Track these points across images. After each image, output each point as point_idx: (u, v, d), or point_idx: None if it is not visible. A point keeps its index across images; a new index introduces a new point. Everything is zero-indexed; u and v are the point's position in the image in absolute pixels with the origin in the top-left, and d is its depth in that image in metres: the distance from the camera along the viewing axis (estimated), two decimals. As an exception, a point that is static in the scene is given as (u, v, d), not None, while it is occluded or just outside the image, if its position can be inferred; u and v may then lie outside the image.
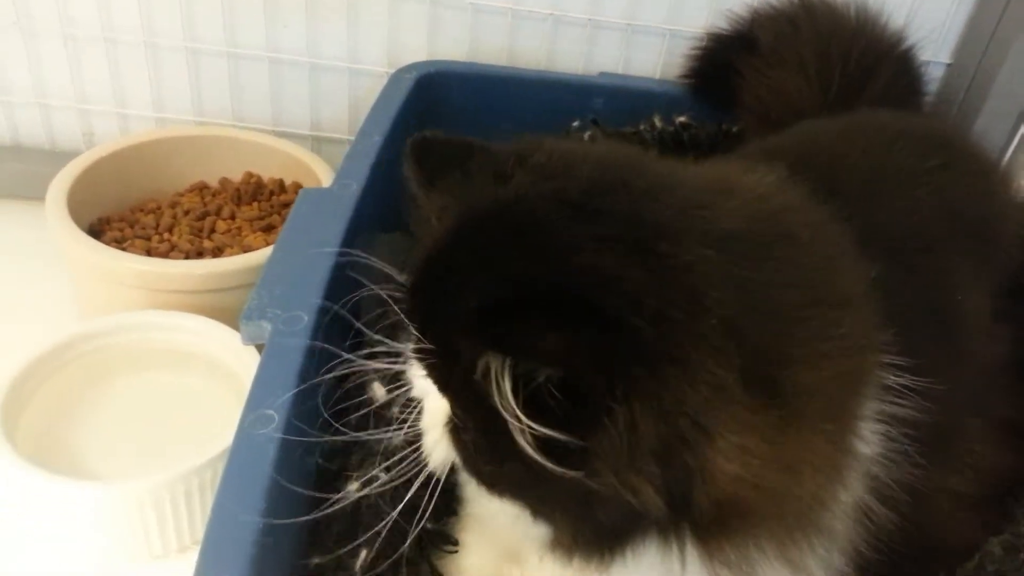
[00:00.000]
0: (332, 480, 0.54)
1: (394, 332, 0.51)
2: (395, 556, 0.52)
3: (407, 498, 0.49)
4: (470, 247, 0.41)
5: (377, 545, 0.51)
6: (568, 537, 0.44)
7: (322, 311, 0.56)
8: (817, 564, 0.44)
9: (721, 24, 0.93)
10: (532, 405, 0.37)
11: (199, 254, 0.86)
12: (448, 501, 0.57)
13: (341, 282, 0.58)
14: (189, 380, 0.75)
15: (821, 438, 0.42)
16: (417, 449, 0.49)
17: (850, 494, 0.45)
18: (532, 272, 0.38)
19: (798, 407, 0.40)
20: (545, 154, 0.46)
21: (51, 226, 0.81)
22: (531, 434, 0.37)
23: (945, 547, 0.52)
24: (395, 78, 0.92)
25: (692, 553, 0.41)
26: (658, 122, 0.92)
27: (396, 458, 0.51)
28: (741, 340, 0.39)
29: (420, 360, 0.43)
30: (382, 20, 1.00)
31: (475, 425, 0.42)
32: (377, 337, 0.51)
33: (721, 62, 0.92)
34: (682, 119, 0.93)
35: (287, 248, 0.62)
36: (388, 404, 0.56)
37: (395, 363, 0.50)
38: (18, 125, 1.06)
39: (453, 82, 0.95)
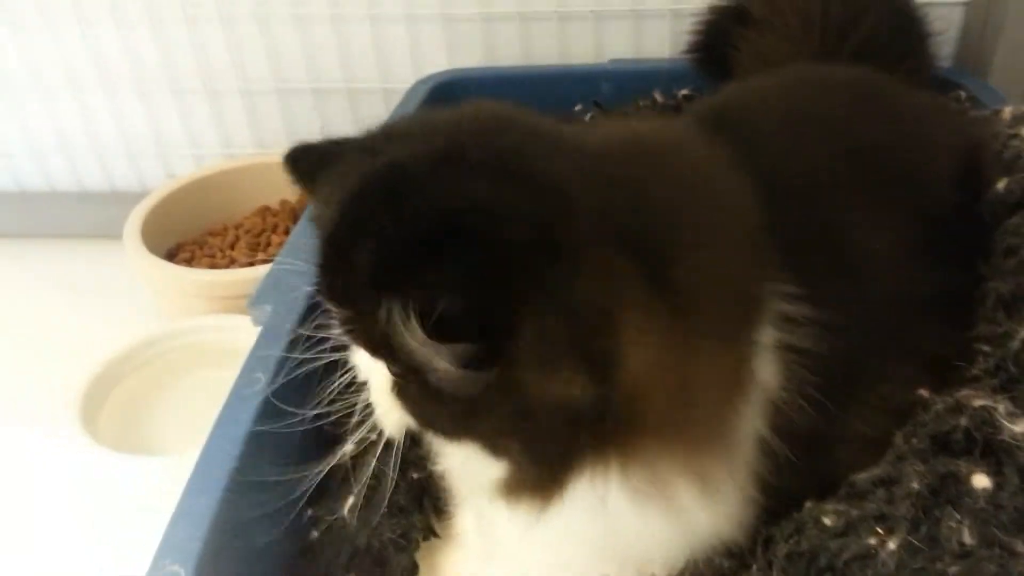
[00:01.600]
0: (334, 443, 0.62)
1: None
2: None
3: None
4: (356, 215, 0.44)
5: (365, 493, 0.58)
6: (521, 466, 0.46)
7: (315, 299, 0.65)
8: (724, 478, 0.46)
9: (722, -2, 0.97)
10: (443, 333, 0.40)
11: (254, 265, 0.98)
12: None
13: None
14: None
15: (718, 349, 0.44)
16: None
17: (751, 423, 0.47)
18: (409, 219, 0.41)
19: (687, 301, 0.43)
20: (406, 125, 0.49)
21: (127, 250, 0.95)
22: (446, 355, 0.41)
23: None
24: (413, 89, 1.01)
25: (615, 468, 0.44)
26: (659, 97, 0.96)
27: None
28: (619, 228, 0.42)
29: (346, 333, 0.46)
30: (404, 41, 1.10)
31: (410, 371, 0.44)
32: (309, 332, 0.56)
33: (720, 34, 0.95)
34: (684, 92, 0.97)
35: (295, 245, 0.72)
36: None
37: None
38: (112, 173, 1.23)
39: (468, 86, 1.03)
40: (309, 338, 0.59)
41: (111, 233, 1.17)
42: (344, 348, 0.55)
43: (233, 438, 0.52)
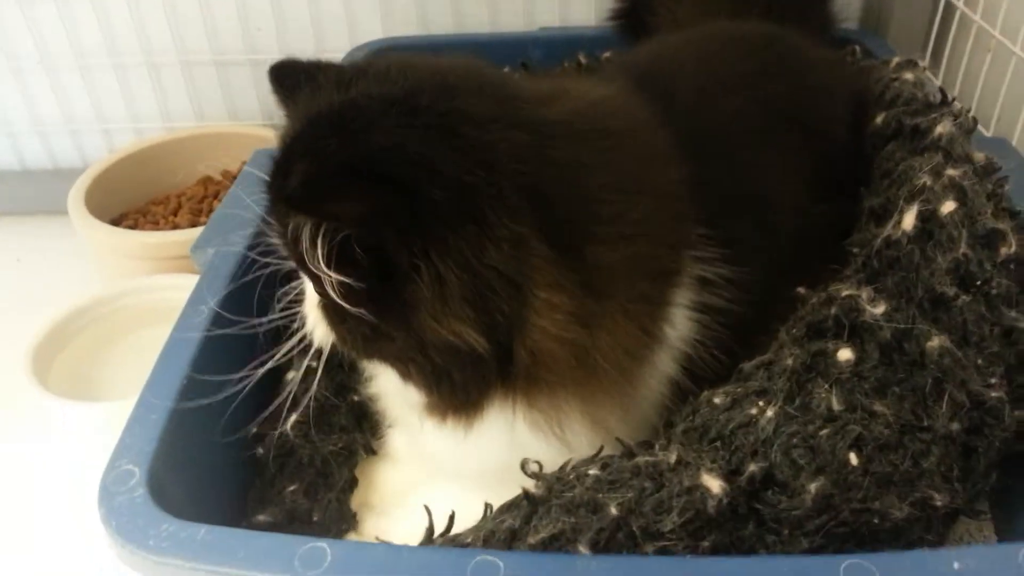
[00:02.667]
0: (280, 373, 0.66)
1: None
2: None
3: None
4: (303, 140, 0.47)
5: (308, 413, 0.62)
6: (427, 394, 0.51)
7: (256, 234, 0.68)
8: (619, 425, 0.52)
9: (641, -33, 1.02)
10: (346, 263, 0.44)
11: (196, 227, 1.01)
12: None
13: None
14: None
15: (621, 313, 0.49)
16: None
17: (661, 370, 0.52)
18: (343, 151, 0.44)
19: (599, 278, 0.48)
20: (384, 65, 0.51)
21: (72, 218, 0.97)
22: (339, 284, 0.45)
23: None
24: (349, 56, 1.04)
25: (520, 404, 0.50)
26: (583, 59, 1.01)
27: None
28: (542, 204, 0.46)
29: (282, 245, 0.50)
30: (339, 11, 1.13)
31: (322, 292, 0.48)
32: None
33: (639, 2, 1.01)
34: (607, 55, 1.02)
35: (234, 196, 0.76)
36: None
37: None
38: (54, 150, 1.24)
39: (403, 52, 1.07)
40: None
41: (54, 209, 1.18)
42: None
43: (182, 357, 0.56)
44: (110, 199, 1.07)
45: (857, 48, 0.91)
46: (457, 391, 0.50)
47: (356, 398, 0.65)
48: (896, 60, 0.81)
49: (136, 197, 1.11)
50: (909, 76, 0.74)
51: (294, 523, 0.60)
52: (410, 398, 0.54)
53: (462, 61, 0.54)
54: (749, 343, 0.54)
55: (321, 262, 0.45)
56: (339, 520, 0.60)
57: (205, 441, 0.56)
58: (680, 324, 0.52)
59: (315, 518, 0.60)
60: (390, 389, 0.62)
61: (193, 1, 1.13)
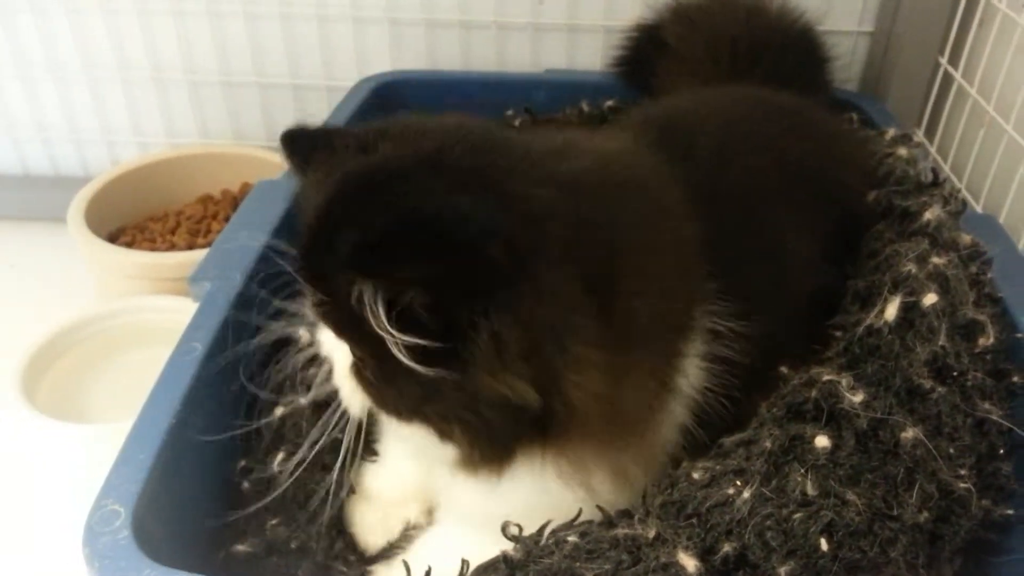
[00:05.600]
0: (266, 408, 0.66)
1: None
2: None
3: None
4: (344, 203, 0.48)
5: (293, 452, 0.63)
6: (468, 449, 0.50)
7: (252, 274, 0.69)
8: (639, 473, 0.53)
9: (647, 16, 1.04)
10: (407, 324, 0.44)
11: (193, 250, 1.02)
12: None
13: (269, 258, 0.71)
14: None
15: (645, 367, 0.51)
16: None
17: (675, 419, 0.54)
18: (396, 215, 0.45)
19: (627, 333, 0.49)
20: (400, 127, 0.53)
21: (71, 232, 0.98)
22: (404, 345, 0.45)
23: None
24: (356, 87, 1.06)
25: (549, 455, 0.50)
26: (585, 107, 1.03)
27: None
28: (577, 259, 0.47)
29: (317, 312, 0.50)
30: (349, 41, 1.15)
31: (370, 355, 0.48)
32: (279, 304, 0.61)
33: (644, 51, 1.02)
34: (610, 103, 1.04)
35: (235, 228, 0.76)
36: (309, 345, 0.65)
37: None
38: (57, 157, 1.25)
39: (409, 87, 1.08)
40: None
41: (54, 216, 1.19)
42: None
43: (171, 396, 0.57)
44: (110, 213, 1.08)
45: (855, 116, 0.93)
46: (496, 443, 0.50)
47: (340, 436, 0.66)
48: (891, 134, 0.83)
49: (135, 212, 1.12)
50: (903, 152, 0.76)
51: (272, 555, 0.60)
52: (437, 455, 0.53)
53: (469, 121, 0.55)
54: (749, 389, 0.55)
55: (386, 324, 0.44)
56: (325, 548, 0.60)
57: (190, 478, 0.57)
58: (692, 374, 0.53)
59: (293, 545, 0.60)
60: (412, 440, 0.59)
61: (204, 22, 1.14)
